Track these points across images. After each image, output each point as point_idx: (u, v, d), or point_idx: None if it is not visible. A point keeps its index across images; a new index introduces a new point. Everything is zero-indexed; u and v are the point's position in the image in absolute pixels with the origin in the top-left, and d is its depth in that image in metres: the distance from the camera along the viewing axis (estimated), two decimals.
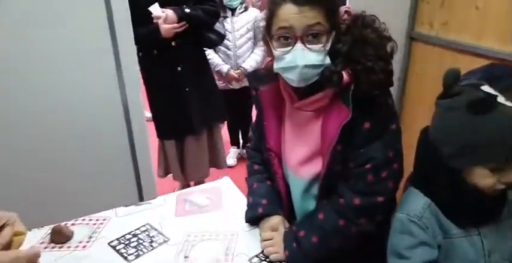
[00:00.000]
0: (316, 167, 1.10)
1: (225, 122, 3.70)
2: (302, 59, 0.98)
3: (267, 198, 1.23)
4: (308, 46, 0.98)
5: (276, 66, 1.04)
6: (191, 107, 2.27)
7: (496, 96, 0.89)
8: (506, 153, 0.86)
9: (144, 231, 1.25)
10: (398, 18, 2.28)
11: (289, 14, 0.96)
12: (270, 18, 1.02)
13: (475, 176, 0.91)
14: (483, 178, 0.91)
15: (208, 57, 2.68)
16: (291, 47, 0.99)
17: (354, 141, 1.02)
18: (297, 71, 0.99)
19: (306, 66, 0.99)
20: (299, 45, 0.98)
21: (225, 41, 2.77)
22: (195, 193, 1.47)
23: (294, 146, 1.15)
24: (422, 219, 0.96)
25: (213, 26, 2.35)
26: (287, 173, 1.19)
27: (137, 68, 1.87)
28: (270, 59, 1.13)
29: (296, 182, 1.17)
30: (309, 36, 0.98)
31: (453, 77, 0.92)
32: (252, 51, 2.99)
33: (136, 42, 1.79)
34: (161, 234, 1.24)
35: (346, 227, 1.05)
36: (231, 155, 3.41)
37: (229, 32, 2.83)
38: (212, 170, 2.62)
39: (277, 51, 1.02)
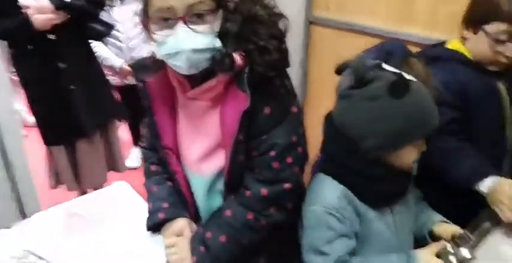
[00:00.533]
0: (219, 161, 1.01)
1: (124, 120, 3.48)
2: (187, 42, 0.88)
3: (168, 201, 1.11)
4: (192, 27, 0.87)
5: (160, 53, 0.91)
6: (79, 107, 2.04)
7: (401, 74, 0.90)
8: (428, 129, 0.90)
9: (21, 259, 1.05)
10: (295, 2, 2.25)
11: None
12: None
13: (402, 156, 0.92)
14: (409, 157, 0.93)
15: (95, 50, 2.44)
16: (171, 30, 0.88)
17: (255, 128, 0.96)
18: (183, 57, 0.89)
19: (194, 50, 0.88)
20: (182, 26, 0.87)
21: (115, 32, 2.56)
22: (84, 203, 1.29)
23: (191, 140, 1.05)
24: (340, 210, 0.92)
25: (98, 16, 2.11)
26: (187, 171, 1.08)
27: (3, 66, 1.59)
28: None
29: (198, 180, 1.06)
30: (193, 16, 0.87)
31: (363, 64, 0.91)
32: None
33: (3, 37, 1.51)
34: (44, 260, 1.04)
35: (256, 221, 1.00)
36: (134, 156, 3.16)
37: (119, 23, 2.61)
38: (112, 174, 2.40)
39: (157, 35, 0.90)
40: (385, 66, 0.92)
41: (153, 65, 1.03)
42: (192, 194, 1.10)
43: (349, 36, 2.08)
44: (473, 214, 1.18)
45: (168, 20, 0.87)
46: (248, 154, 0.99)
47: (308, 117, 2.55)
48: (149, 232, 1.12)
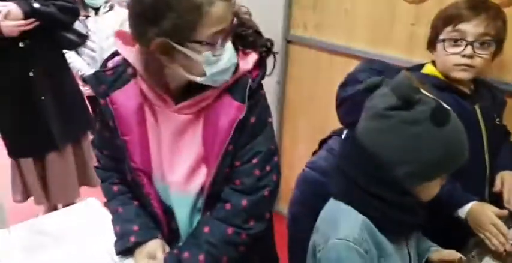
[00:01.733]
0: (202, 177, 0.99)
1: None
2: (228, 58, 0.91)
3: (137, 223, 1.05)
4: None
5: (211, 71, 0.89)
6: (50, 118, 1.96)
7: (439, 100, 0.85)
8: (461, 161, 0.84)
9: None
10: (274, 22, 2.26)
11: (222, 13, 0.86)
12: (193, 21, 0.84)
13: (429, 188, 0.86)
14: (435, 189, 0.87)
15: (69, 60, 2.38)
16: (222, 48, 0.89)
17: (242, 138, 0.96)
18: (231, 71, 0.93)
19: (231, 64, 0.92)
20: (229, 43, 0.91)
21: (90, 43, 2.52)
22: (51, 220, 1.21)
23: (175, 158, 1.00)
24: (363, 244, 0.83)
25: (71, 25, 2.06)
26: (167, 192, 1.02)
27: None
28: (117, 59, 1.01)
29: (182, 200, 1.02)
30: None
31: (409, 85, 0.82)
32: None
33: None
34: None
35: (236, 235, 0.97)
36: None
37: (94, 33, 2.56)
38: (86, 189, 2.31)
39: (203, 56, 0.87)
40: (422, 90, 0.85)
41: (116, 79, 0.97)
42: (165, 215, 1.05)
43: (326, 55, 2.10)
44: (462, 241, 1.17)
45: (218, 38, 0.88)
46: (232, 165, 0.98)
47: (285, 133, 2.57)
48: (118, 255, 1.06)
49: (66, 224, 1.19)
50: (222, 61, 0.89)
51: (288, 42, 2.32)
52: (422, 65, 1.36)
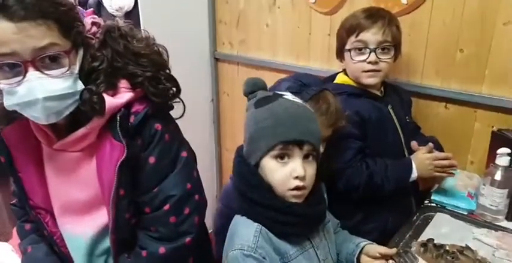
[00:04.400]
0: (101, 218, 0.92)
1: None
2: (41, 89, 0.77)
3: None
4: (46, 72, 0.77)
5: (8, 103, 0.79)
6: None
7: (282, 94, 0.91)
8: (277, 138, 0.85)
9: None
10: (200, 40, 2.24)
11: (8, 35, 0.73)
12: None
13: (273, 169, 0.86)
14: (279, 171, 0.86)
15: None
16: (21, 77, 0.76)
17: (143, 181, 0.88)
18: (38, 107, 0.78)
19: (48, 98, 0.78)
20: (33, 72, 0.76)
21: None
22: None
23: (65, 196, 0.93)
24: (258, 250, 0.84)
25: None
26: (63, 231, 0.96)
27: None
28: None
29: (76, 241, 0.95)
30: (45, 59, 0.77)
31: (251, 85, 0.94)
32: None
33: None
34: None
35: None
36: None
37: None
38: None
39: (3, 85, 0.78)
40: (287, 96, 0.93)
41: (6, 114, 0.89)
42: None
43: (254, 71, 2.11)
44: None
45: (15, 66, 0.76)
46: (138, 211, 0.91)
47: (224, 151, 2.53)
48: None
49: None
50: (19, 93, 0.77)
51: (217, 60, 2.31)
52: (334, 76, 1.41)
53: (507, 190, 1.20)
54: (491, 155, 1.26)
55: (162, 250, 0.90)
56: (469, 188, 1.36)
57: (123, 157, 0.84)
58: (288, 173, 0.85)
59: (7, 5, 0.72)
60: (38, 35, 0.74)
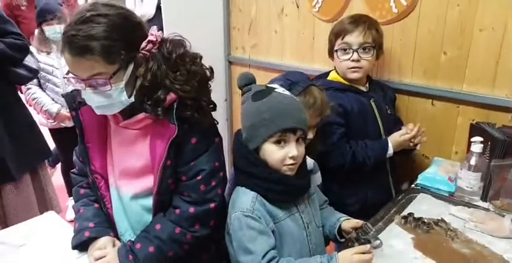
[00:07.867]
0: (148, 183, 1.13)
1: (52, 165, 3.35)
2: (92, 100, 1.05)
3: (93, 221, 1.19)
4: (96, 89, 1.03)
5: (93, 104, 1.08)
6: (2, 149, 1.95)
7: (274, 88, 1.10)
8: (277, 127, 1.04)
9: None
10: (216, 46, 2.47)
11: (69, 63, 1.01)
12: None
13: (271, 152, 1.06)
14: (276, 153, 1.05)
15: (34, 96, 2.49)
16: (83, 89, 1.04)
17: (184, 156, 1.09)
18: (93, 108, 1.07)
19: (97, 106, 1.06)
20: (88, 87, 1.03)
21: (53, 78, 2.55)
22: (12, 232, 1.31)
23: (124, 163, 1.16)
24: (255, 211, 1.04)
25: (21, 61, 2.11)
26: (117, 193, 1.18)
27: None
28: None
29: (124, 199, 1.17)
30: (94, 81, 1.02)
31: (244, 79, 1.13)
32: None
33: None
34: None
35: (182, 235, 1.11)
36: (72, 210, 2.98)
37: (56, 68, 2.56)
38: None
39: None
40: (277, 90, 1.11)
41: None
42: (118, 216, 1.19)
43: (263, 72, 2.31)
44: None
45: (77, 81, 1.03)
46: (177, 179, 1.11)
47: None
48: (75, 250, 1.17)
49: (26, 234, 1.28)
50: (89, 101, 1.06)
51: (230, 63, 2.52)
52: (327, 73, 1.64)
53: (480, 173, 1.37)
54: (470, 145, 1.41)
55: (191, 209, 1.10)
56: (450, 173, 1.53)
57: (174, 135, 1.05)
58: (285, 154, 1.06)
59: (70, 42, 0.98)
60: (87, 67, 0.99)
